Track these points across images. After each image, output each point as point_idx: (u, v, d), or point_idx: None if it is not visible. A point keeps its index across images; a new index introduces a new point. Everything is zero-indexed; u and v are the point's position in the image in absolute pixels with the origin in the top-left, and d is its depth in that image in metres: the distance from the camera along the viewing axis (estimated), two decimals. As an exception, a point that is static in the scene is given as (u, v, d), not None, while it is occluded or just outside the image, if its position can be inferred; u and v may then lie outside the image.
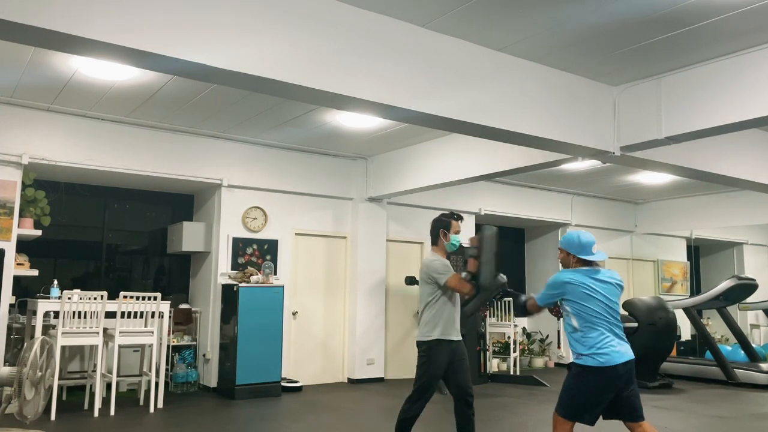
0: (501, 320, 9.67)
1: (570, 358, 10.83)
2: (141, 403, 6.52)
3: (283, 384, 7.38)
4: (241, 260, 7.60)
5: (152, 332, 6.21)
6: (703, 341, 9.27)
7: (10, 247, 6.14)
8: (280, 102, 6.10)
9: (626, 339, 3.63)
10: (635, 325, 8.01)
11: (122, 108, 6.40)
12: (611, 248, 11.24)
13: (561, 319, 9.51)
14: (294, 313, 8.00)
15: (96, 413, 5.92)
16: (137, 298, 6.18)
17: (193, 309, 7.84)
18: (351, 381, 8.22)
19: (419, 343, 4.22)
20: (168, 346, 7.13)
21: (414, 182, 7.69)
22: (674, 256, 12.15)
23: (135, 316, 6.17)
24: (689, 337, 11.16)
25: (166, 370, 6.99)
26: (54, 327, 6.23)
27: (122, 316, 6.09)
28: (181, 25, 3.46)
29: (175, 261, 8.44)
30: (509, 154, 6.53)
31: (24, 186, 6.40)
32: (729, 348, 9.18)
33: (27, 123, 6.32)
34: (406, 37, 4.32)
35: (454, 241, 4.29)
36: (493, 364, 9.40)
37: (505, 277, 4.16)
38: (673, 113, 4.96)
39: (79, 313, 5.89)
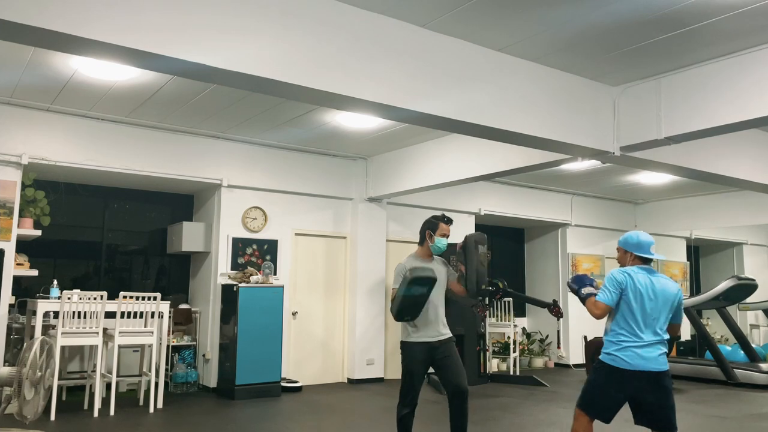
0: (501, 320, 9.67)
1: (570, 359, 10.79)
2: (141, 403, 6.52)
3: (283, 384, 7.38)
4: (240, 260, 7.59)
5: (152, 332, 6.21)
6: (702, 341, 9.27)
7: (9, 247, 6.14)
8: (280, 102, 6.10)
9: (664, 349, 3.60)
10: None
11: (122, 108, 6.39)
12: (611, 248, 11.22)
13: (560, 319, 9.50)
14: (294, 313, 8.00)
15: (96, 413, 5.91)
16: (137, 298, 6.18)
17: (192, 309, 7.83)
18: (351, 381, 8.22)
19: (400, 342, 4.34)
20: (168, 346, 7.13)
21: (414, 182, 7.69)
22: (674, 256, 12.15)
23: (135, 316, 6.17)
24: (689, 337, 11.16)
25: (166, 370, 6.99)
26: (54, 327, 6.23)
27: (122, 316, 6.09)
28: (181, 25, 3.46)
29: (174, 261, 8.44)
30: (509, 154, 6.53)
31: (24, 186, 6.40)
32: (729, 348, 9.18)
33: (27, 123, 6.31)
34: (405, 38, 4.31)
35: (439, 244, 4.30)
36: (493, 364, 9.40)
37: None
38: (673, 113, 4.96)
39: (79, 313, 5.89)
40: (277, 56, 3.78)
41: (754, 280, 8.93)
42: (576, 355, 10.34)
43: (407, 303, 4.06)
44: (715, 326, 11.36)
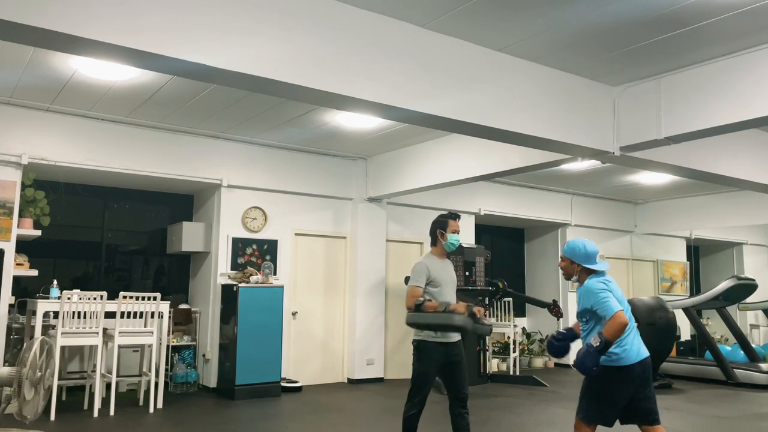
0: (501, 320, 9.67)
1: (570, 359, 10.77)
2: (141, 403, 6.52)
3: (283, 384, 7.38)
4: (240, 260, 7.59)
5: (152, 332, 6.21)
6: (702, 341, 9.27)
7: (9, 248, 6.14)
8: (280, 102, 6.10)
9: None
10: (635, 325, 8.00)
11: (122, 108, 6.39)
12: (611, 248, 11.25)
13: (560, 319, 9.47)
14: (294, 313, 8.00)
15: (95, 413, 5.91)
16: (137, 299, 6.18)
17: (192, 309, 7.83)
18: (350, 381, 8.22)
19: (412, 341, 4.26)
20: (168, 347, 7.13)
21: (414, 182, 7.69)
22: (674, 256, 12.16)
23: (134, 317, 6.17)
24: (689, 337, 11.16)
25: (166, 370, 6.99)
26: (54, 327, 6.23)
27: (122, 316, 6.09)
28: (180, 25, 3.46)
29: (174, 261, 8.44)
30: (509, 154, 6.53)
31: (23, 186, 6.39)
32: (728, 348, 9.18)
33: (27, 123, 6.31)
34: (405, 38, 4.32)
35: (452, 240, 4.27)
36: (493, 365, 9.40)
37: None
38: (673, 113, 4.96)
39: (79, 313, 5.89)
40: (277, 56, 3.78)
41: (754, 280, 8.93)
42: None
43: (434, 326, 4.05)
44: (715, 326, 11.36)
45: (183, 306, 7.76)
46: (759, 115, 4.47)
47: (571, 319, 10.38)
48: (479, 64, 4.67)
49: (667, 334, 8.14)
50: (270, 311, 7.19)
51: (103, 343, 6.10)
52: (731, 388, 8.36)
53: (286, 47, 3.81)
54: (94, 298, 5.95)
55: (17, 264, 6.37)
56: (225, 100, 6.12)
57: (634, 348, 3.50)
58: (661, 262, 11.92)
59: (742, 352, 8.87)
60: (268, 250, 7.78)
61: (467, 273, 8.49)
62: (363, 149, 8.08)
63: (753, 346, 9.04)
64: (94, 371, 6.30)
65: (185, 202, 8.34)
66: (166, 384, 6.78)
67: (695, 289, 12.26)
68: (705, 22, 4.20)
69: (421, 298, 4.08)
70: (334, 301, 8.39)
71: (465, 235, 9.37)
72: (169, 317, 7.08)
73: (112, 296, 6.23)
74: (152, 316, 6.23)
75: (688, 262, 12.36)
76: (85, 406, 6.24)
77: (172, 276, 8.47)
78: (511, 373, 9.21)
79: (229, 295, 7.21)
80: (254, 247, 7.70)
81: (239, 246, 7.60)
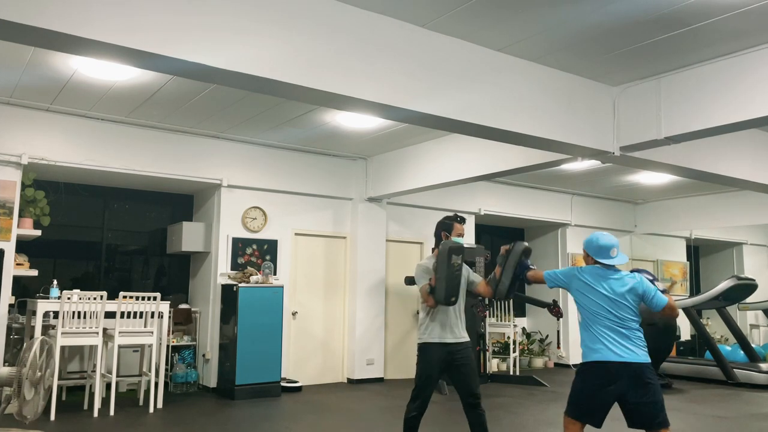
0: (501, 320, 9.67)
1: (570, 359, 10.76)
2: (141, 403, 6.52)
3: (283, 384, 7.38)
4: (240, 260, 7.60)
5: (152, 332, 6.21)
6: (702, 341, 9.27)
7: (9, 247, 6.14)
8: (280, 102, 6.10)
9: (640, 344, 3.55)
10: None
11: (122, 108, 6.39)
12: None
13: (560, 319, 9.48)
14: (294, 313, 8.00)
15: (95, 413, 5.91)
16: (137, 298, 6.18)
17: (192, 309, 7.84)
18: (350, 381, 8.22)
19: (418, 344, 4.28)
20: (168, 346, 7.13)
21: (414, 182, 7.69)
22: (674, 256, 12.15)
23: (135, 316, 6.17)
24: (689, 337, 11.16)
25: (166, 370, 6.99)
26: (54, 327, 6.23)
27: (122, 316, 6.09)
28: (181, 25, 3.46)
29: (174, 261, 8.44)
30: (509, 154, 6.53)
31: (23, 186, 6.39)
32: (728, 348, 9.18)
33: (27, 123, 6.31)
34: (405, 37, 4.32)
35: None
36: (493, 364, 9.40)
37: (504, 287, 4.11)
38: (673, 113, 4.96)
39: (79, 313, 5.89)
40: (277, 56, 3.78)
41: (754, 280, 8.93)
42: (576, 355, 10.34)
43: (451, 281, 4.03)
44: (715, 326, 11.36)
45: (183, 306, 7.76)
46: (759, 115, 4.47)
47: (571, 319, 10.39)
48: (479, 64, 4.67)
49: (667, 334, 8.15)
50: (270, 311, 7.19)
51: (103, 343, 6.11)
52: (731, 388, 8.36)
53: (286, 47, 3.81)
54: (94, 298, 5.95)
55: (17, 264, 6.37)
56: (225, 100, 6.12)
57: (617, 350, 3.48)
58: (661, 262, 11.92)
59: (742, 352, 8.87)
60: (268, 250, 7.78)
61: (467, 273, 8.49)
62: (363, 149, 8.08)
63: (753, 346, 9.04)
64: (94, 371, 6.30)
65: (185, 202, 8.34)
66: (166, 384, 6.78)
67: (695, 289, 12.26)
68: (705, 22, 4.20)
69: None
70: (334, 301, 8.39)
71: (465, 235, 9.37)
72: (169, 317, 7.08)
73: (112, 296, 6.23)
74: (152, 316, 6.23)
75: (688, 262, 12.36)
76: (85, 406, 6.24)
77: (172, 276, 8.47)
78: (511, 373, 9.21)
79: (229, 295, 7.21)
80: (254, 247, 7.70)
81: (239, 246, 7.60)
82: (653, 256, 11.85)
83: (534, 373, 9.07)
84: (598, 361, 3.50)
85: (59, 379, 6.00)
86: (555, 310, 8.34)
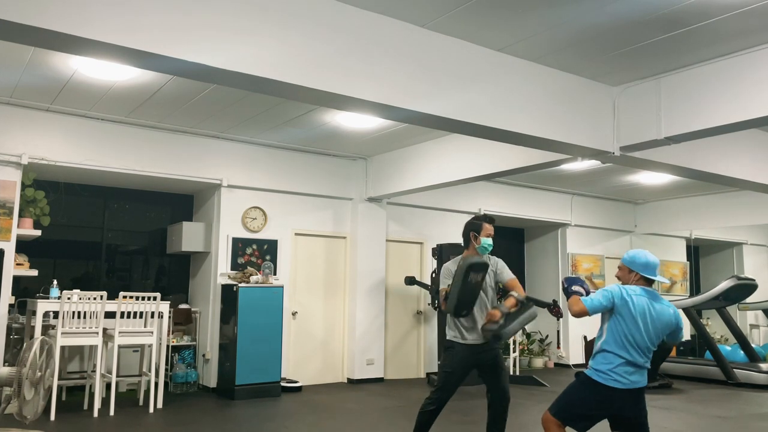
0: (501, 320, 9.65)
1: (570, 359, 10.73)
2: (140, 403, 6.52)
3: (283, 384, 7.38)
4: (240, 260, 7.59)
5: (152, 332, 6.20)
6: (702, 341, 9.27)
7: (9, 247, 6.14)
8: (280, 102, 6.10)
9: (647, 369, 3.54)
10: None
11: (122, 108, 6.39)
12: (611, 248, 11.24)
13: (560, 319, 9.43)
14: (294, 313, 8.00)
15: (95, 413, 5.91)
16: (137, 298, 6.18)
17: (192, 309, 7.83)
18: (350, 381, 8.22)
19: (447, 341, 4.27)
20: (168, 346, 7.13)
21: (414, 182, 7.69)
22: (674, 256, 12.15)
23: (134, 316, 6.17)
24: (689, 337, 11.16)
25: (166, 370, 6.99)
26: (53, 327, 6.23)
27: (122, 316, 6.08)
28: (181, 25, 3.46)
29: (174, 261, 8.44)
30: (509, 154, 6.53)
31: (23, 186, 6.39)
32: (728, 348, 9.18)
33: (27, 123, 6.31)
34: (405, 38, 4.31)
35: (485, 244, 4.25)
36: (493, 364, 9.38)
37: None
38: (673, 113, 4.96)
39: (79, 313, 5.89)
40: (277, 56, 3.78)
41: (754, 280, 8.93)
42: (576, 355, 10.34)
43: (464, 296, 3.99)
44: (715, 326, 11.37)
45: (183, 306, 7.75)
46: (759, 115, 4.47)
47: (571, 318, 10.38)
48: (479, 64, 4.67)
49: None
50: (270, 311, 7.18)
51: (103, 343, 6.10)
52: (731, 388, 8.36)
53: (286, 47, 3.81)
54: (94, 298, 5.95)
55: (17, 264, 6.37)
56: (225, 100, 6.12)
57: (631, 379, 3.45)
58: (661, 262, 11.92)
59: (742, 352, 8.87)
60: (268, 250, 7.78)
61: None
62: (363, 149, 8.08)
63: (753, 346, 9.04)
64: (94, 371, 6.30)
65: (185, 202, 8.34)
66: (166, 384, 6.78)
67: (695, 289, 12.26)
68: (705, 22, 4.20)
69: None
70: (334, 301, 8.39)
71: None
72: (169, 317, 7.08)
73: (112, 296, 6.23)
74: (152, 316, 6.23)
75: (688, 262, 12.36)
76: (85, 406, 6.24)
77: (172, 276, 8.47)
78: (511, 373, 9.20)
79: (229, 295, 7.21)
80: (254, 247, 7.70)
81: (239, 246, 7.60)
82: (653, 256, 11.83)
83: (534, 373, 9.07)
84: (608, 386, 3.44)
85: (59, 379, 6.00)
86: (555, 310, 8.32)
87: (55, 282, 6.34)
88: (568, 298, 3.71)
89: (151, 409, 6.19)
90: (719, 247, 13.14)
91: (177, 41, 3.45)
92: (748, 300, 9.70)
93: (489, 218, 4.34)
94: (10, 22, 3.00)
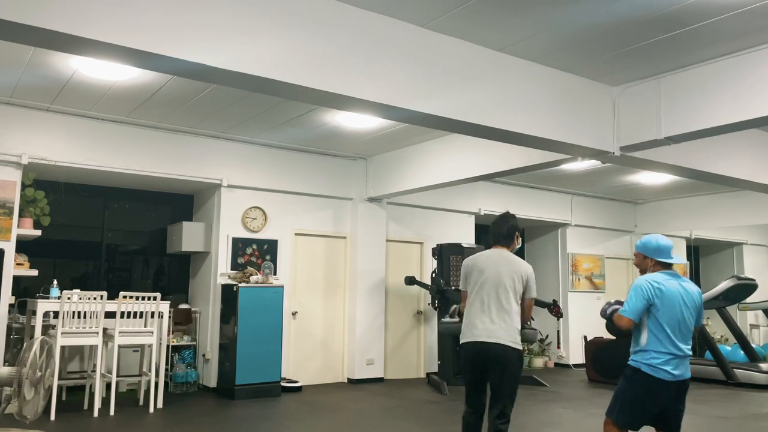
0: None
1: (570, 359, 10.73)
2: (141, 403, 6.52)
3: (283, 384, 7.38)
4: (240, 260, 7.59)
5: (152, 332, 6.20)
6: (702, 341, 9.27)
7: (9, 247, 6.14)
8: (280, 102, 6.10)
9: (689, 358, 3.51)
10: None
11: (122, 108, 6.39)
12: (611, 248, 11.25)
13: (560, 319, 9.44)
14: (294, 313, 8.00)
15: (95, 413, 5.91)
16: (137, 298, 6.18)
17: (192, 309, 7.83)
18: (350, 381, 8.22)
19: (520, 351, 3.99)
20: (168, 346, 7.13)
21: (414, 182, 7.69)
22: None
23: (134, 316, 6.17)
24: (689, 337, 11.14)
25: (166, 370, 6.99)
26: (54, 327, 6.23)
27: (122, 316, 6.09)
28: (181, 25, 3.46)
29: (174, 261, 8.44)
30: (509, 154, 6.53)
31: (23, 186, 6.39)
32: (729, 348, 9.18)
33: (27, 123, 6.31)
34: (405, 37, 4.31)
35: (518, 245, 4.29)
36: (493, 364, 9.38)
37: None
38: (673, 113, 4.96)
39: (79, 313, 5.89)
40: (277, 56, 3.78)
41: (754, 280, 8.93)
42: (576, 355, 10.34)
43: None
44: (715, 326, 11.36)
45: (183, 306, 7.75)
46: (759, 115, 4.47)
47: (571, 319, 10.38)
48: (479, 64, 4.67)
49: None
50: (270, 311, 7.18)
51: (103, 343, 6.10)
52: (731, 388, 8.36)
53: (286, 47, 3.81)
54: (94, 298, 5.95)
55: (17, 264, 6.37)
56: (225, 100, 6.12)
57: (679, 369, 3.43)
58: (661, 262, 11.90)
59: (742, 352, 8.87)
60: (268, 250, 7.78)
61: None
62: (363, 149, 8.08)
63: (753, 346, 9.04)
64: (94, 371, 6.30)
65: (185, 202, 8.34)
66: (166, 384, 6.78)
67: (695, 289, 12.23)
68: (705, 22, 4.20)
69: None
70: (334, 301, 8.39)
71: (465, 235, 9.38)
72: (169, 317, 7.08)
73: (112, 296, 6.23)
74: (152, 316, 6.23)
75: (688, 262, 12.36)
76: (85, 406, 6.24)
77: (172, 276, 8.47)
78: (511, 373, 9.19)
79: (229, 295, 7.21)
80: (254, 247, 7.70)
81: (239, 246, 7.60)
82: (653, 256, 11.82)
83: (534, 373, 9.07)
84: (662, 379, 3.39)
85: (59, 379, 6.00)
86: (555, 310, 8.33)
87: (55, 282, 6.35)
88: (610, 320, 3.62)
89: (151, 409, 6.19)
90: (719, 247, 13.13)
91: (177, 41, 3.45)
92: (748, 300, 9.69)
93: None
94: (10, 22, 3.00)
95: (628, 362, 3.55)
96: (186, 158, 7.23)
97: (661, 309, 3.44)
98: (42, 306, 5.92)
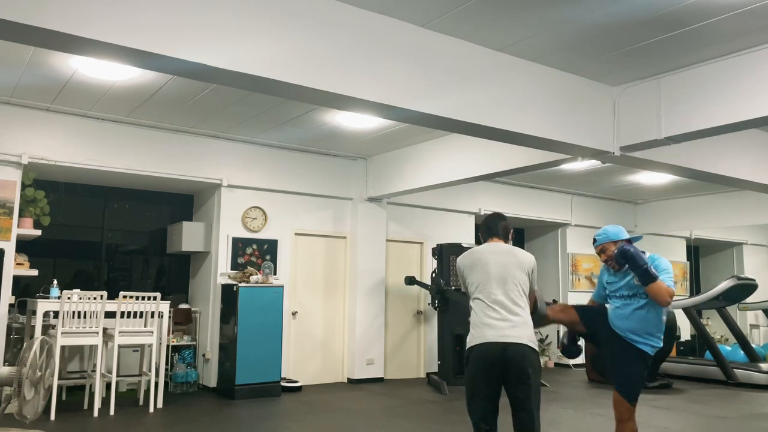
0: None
1: (570, 360, 10.73)
2: (141, 403, 6.52)
3: (283, 384, 7.38)
4: (240, 260, 7.59)
5: (152, 332, 6.20)
6: (702, 341, 9.27)
7: (9, 247, 6.14)
8: (280, 102, 6.10)
9: None
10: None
11: (122, 108, 6.39)
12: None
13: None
14: (294, 313, 8.00)
15: (95, 413, 5.91)
16: (137, 298, 6.18)
17: (192, 309, 7.83)
18: (350, 381, 8.22)
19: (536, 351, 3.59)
20: (168, 346, 7.12)
21: (414, 182, 7.69)
22: (674, 256, 12.15)
23: (135, 316, 6.17)
24: (689, 337, 11.16)
25: (166, 370, 6.98)
26: (54, 327, 6.23)
27: (122, 316, 6.09)
28: (181, 25, 3.46)
29: (174, 261, 8.44)
30: (509, 154, 6.53)
31: (24, 186, 6.39)
32: (728, 348, 9.18)
33: (27, 123, 6.31)
34: (405, 37, 4.31)
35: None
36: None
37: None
38: (673, 113, 4.96)
39: (79, 313, 5.89)
40: (277, 56, 3.78)
41: (754, 280, 8.93)
42: (576, 355, 10.32)
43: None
44: (715, 326, 11.35)
45: (183, 306, 7.75)
46: (759, 115, 4.47)
47: (571, 319, 10.35)
48: (479, 63, 4.67)
49: (667, 334, 8.13)
50: (270, 311, 7.18)
51: (103, 342, 6.10)
52: (731, 388, 8.36)
53: (286, 47, 3.81)
54: (94, 298, 5.95)
55: (17, 264, 6.37)
56: (225, 100, 6.12)
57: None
58: (662, 262, 11.89)
59: (742, 352, 8.86)
60: (268, 250, 7.78)
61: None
62: (363, 149, 8.08)
63: (753, 346, 9.03)
64: (94, 371, 6.30)
65: (185, 202, 8.34)
66: (166, 384, 6.78)
67: (695, 289, 12.26)
68: (705, 22, 4.20)
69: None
70: (334, 301, 8.39)
71: (465, 235, 9.38)
72: (169, 317, 7.08)
73: (112, 296, 6.23)
74: (152, 316, 6.23)
75: (688, 262, 12.36)
76: (85, 406, 6.24)
77: (172, 276, 8.47)
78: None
79: (229, 295, 7.21)
80: (254, 246, 7.70)
81: (239, 246, 7.60)
82: (653, 256, 11.82)
83: (534, 373, 9.05)
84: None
85: (59, 378, 5.99)
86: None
87: (55, 282, 6.35)
88: (650, 281, 3.50)
89: (151, 409, 6.19)
90: (719, 247, 13.13)
91: (177, 41, 3.45)
92: (748, 300, 9.69)
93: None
94: (10, 22, 3.00)
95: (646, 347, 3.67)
96: (186, 158, 7.23)
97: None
98: (42, 306, 5.92)
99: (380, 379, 8.38)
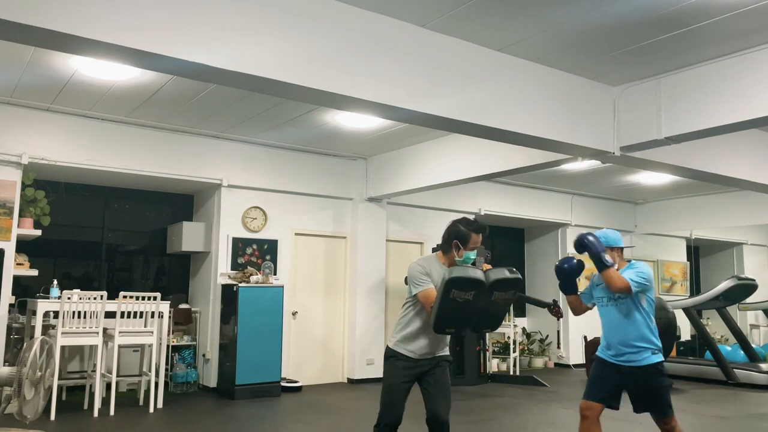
0: (501, 320, 9.65)
1: (570, 359, 10.69)
2: (141, 403, 6.52)
3: (283, 384, 7.38)
4: (240, 260, 7.59)
5: (152, 332, 6.20)
6: (702, 341, 9.27)
7: (9, 247, 6.14)
8: (280, 102, 6.10)
9: None
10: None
11: (122, 108, 6.39)
12: (611, 248, 11.21)
13: (560, 319, 9.45)
14: (294, 313, 8.00)
15: (96, 413, 5.91)
16: (137, 298, 6.18)
17: (192, 309, 7.83)
18: (351, 381, 8.22)
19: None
20: (168, 346, 7.13)
21: (414, 182, 7.69)
22: (674, 256, 12.15)
23: (135, 316, 6.17)
24: (689, 338, 11.15)
25: (166, 370, 6.99)
26: (54, 327, 6.23)
27: (122, 316, 6.09)
28: (181, 25, 3.46)
29: (174, 261, 8.43)
30: (509, 154, 6.53)
31: (24, 186, 6.39)
32: (729, 348, 9.18)
33: (27, 123, 6.31)
34: (405, 37, 4.31)
35: (467, 258, 3.52)
36: (493, 364, 9.39)
37: None
38: (673, 113, 4.96)
39: (79, 313, 5.89)
40: (277, 56, 3.78)
41: (754, 280, 8.93)
42: (576, 355, 10.33)
43: (446, 313, 3.32)
44: (715, 326, 11.36)
45: (183, 306, 7.75)
46: (759, 115, 4.47)
47: (571, 318, 10.37)
48: (479, 64, 4.67)
49: (667, 334, 8.13)
50: (270, 311, 7.18)
51: (103, 342, 6.10)
52: (731, 388, 8.36)
53: (286, 47, 3.81)
54: (94, 298, 5.95)
55: (17, 264, 6.37)
56: (225, 100, 6.12)
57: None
58: (662, 262, 11.92)
59: (742, 352, 8.87)
60: (268, 250, 7.78)
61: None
62: (363, 149, 8.08)
63: (753, 346, 9.04)
64: (94, 371, 6.30)
65: (185, 202, 8.34)
66: (166, 384, 6.78)
67: (695, 289, 12.26)
68: (705, 22, 4.20)
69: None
70: (334, 301, 8.39)
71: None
72: (169, 317, 7.08)
73: (112, 296, 6.23)
74: (152, 316, 6.23)
75: (688, 262, 12.36)
76: (85, 406, 6.24)
77: (172, 276, 8.47)
78: (511, 373, 9.20)
79: (229, 295, 7.21)
80: (254, 247, 7.70)
81: (239, 246, 7.60)
82: (653, 256, 11.85)
83: (534, 373, 9.07)
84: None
85: (59, 378, 5.99)
86: (555, 310, 8.33)
87: (55, 282, 6.35)
88: (603, 268, 3.74)
89: (151, 409, 6.19)
90: (719, 247, 13.13)
91: (177, 41, 3.45)
92: (748, 300, 9.69)
93: (480, 228, 3.53)
94: (10, 22, 3.00)
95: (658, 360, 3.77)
96: (186, 158, 7.23)
97: (651, 295, 3.78)
98: (42, 306, 5.92)
99: (380, 380, 8.35)
